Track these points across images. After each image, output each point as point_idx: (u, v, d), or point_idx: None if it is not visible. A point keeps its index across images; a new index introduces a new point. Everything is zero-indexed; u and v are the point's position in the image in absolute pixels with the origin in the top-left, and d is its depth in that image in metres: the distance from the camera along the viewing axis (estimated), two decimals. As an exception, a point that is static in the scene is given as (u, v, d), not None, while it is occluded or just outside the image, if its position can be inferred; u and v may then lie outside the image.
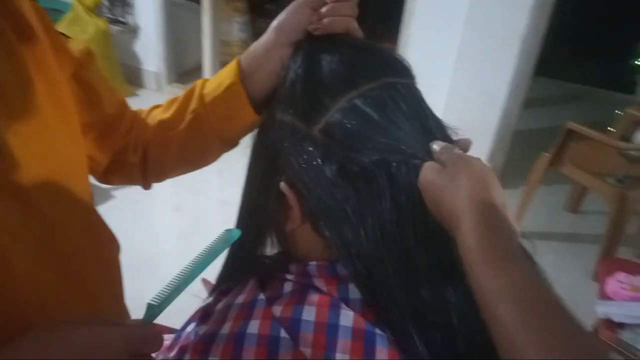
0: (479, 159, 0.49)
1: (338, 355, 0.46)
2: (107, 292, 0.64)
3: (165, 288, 0.47)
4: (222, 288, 0.61)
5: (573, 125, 2.38)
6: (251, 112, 0.64)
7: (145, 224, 2.64)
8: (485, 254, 0.41)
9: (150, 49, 4.15)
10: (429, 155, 0.51)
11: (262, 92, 0.64)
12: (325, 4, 0.59)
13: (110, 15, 4.06)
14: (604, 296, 1.48)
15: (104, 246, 0.64)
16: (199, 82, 0.69)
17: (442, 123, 0.57)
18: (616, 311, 1.36)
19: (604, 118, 3.64)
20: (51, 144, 0.54)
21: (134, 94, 4.05)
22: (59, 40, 0.59)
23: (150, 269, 1.98)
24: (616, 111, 3.21)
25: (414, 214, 0.50)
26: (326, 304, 0.50)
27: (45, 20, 0.58)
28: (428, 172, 0.49)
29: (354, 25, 0.61)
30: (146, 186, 0.77)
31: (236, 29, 4.91)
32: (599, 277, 1.56)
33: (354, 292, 0.52)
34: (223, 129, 0.68)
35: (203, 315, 0.56)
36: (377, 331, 0.48)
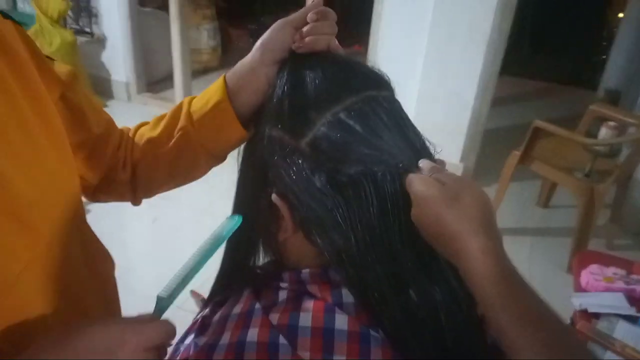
0: (474, 181, 0.53)
1: (336, 357, 0.48)
2: (104, 310, 0.64)
3: (172, 279, 0.48)
4: (216, 299, 0.62)
5: (540, 123, 2.44)
6: (239, 128, 0.66)
7: (123, 235, 2.61)
8: (500, 278, 0.44)
9: (118, 59, 4.10)
10: (411, 165, 0.54)
11: (248, 109, 0.65)
12: (307, 23, 0.61)
13: (75, 26, 4.00)
14: (579, 288, 1.52)
15: (99, 264, 0.65)
16: (185, 100, 0.70)
17: (420, 133, 0.60)
18: (591, 302, 1.40)
19: (569, 114, 3.74)
20: (43, 166, 0.55)
21: (104, 106, 3.98)
22: (45, 64, 0.60)
23: (128, 282, 1.96)
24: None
25: (399, 219, 0.52)
26: (321, 309, 0.51)
27: (31, 45, 0.58)
28: (422, 185, 0.50)
29: (334, 43, 0.63)
30: (136, 202, 0.78)
31: (205, 36, 4.90)
32: (573, 270, 1.61)
33: (347, 296, 0.54)
34: (212, 145, 0.69)
35: (200, 326, 0.57)
36: (372, 332, 0.50)
